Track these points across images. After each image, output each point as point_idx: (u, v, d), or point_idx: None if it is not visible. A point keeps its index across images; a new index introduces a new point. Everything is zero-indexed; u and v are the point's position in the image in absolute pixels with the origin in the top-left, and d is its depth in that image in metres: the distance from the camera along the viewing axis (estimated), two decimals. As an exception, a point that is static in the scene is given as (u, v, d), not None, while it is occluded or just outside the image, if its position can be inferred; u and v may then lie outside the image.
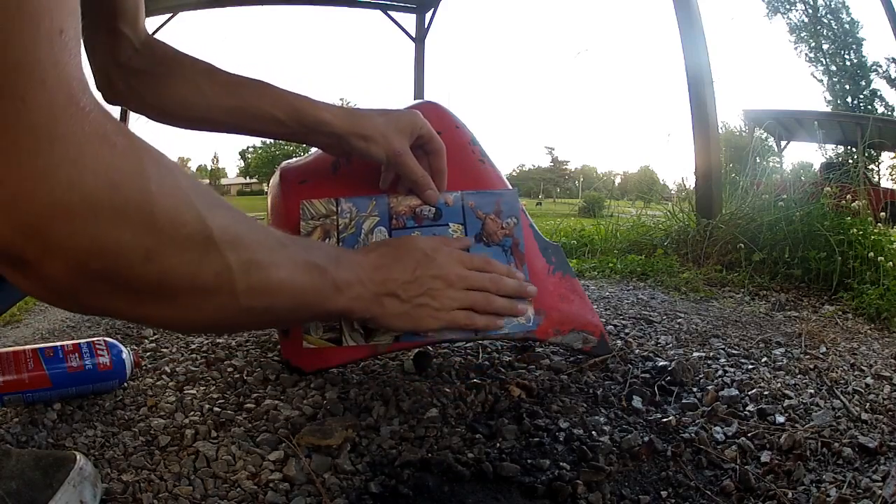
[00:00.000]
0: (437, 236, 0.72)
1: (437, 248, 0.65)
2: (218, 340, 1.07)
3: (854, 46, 22.93)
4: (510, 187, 0.91)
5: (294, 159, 1.00)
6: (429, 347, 0.95)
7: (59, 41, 0.29)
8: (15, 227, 0.29)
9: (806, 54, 23.84)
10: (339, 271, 0.54)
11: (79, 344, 0.79)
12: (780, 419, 0.76)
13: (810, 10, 23.27)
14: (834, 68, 23.37)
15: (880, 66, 22.63)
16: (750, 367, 0.96)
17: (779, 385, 0.88)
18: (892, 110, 22.08)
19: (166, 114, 0.71)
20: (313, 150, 0.93)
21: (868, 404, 0.82)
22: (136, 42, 0.69)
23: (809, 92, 42.06)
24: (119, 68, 0.68)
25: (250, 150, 47.43)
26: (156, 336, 1.12)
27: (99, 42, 0.67)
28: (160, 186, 0.33)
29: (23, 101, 0.28)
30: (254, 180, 46.32)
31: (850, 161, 2.91)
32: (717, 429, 0.73)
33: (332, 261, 0.54)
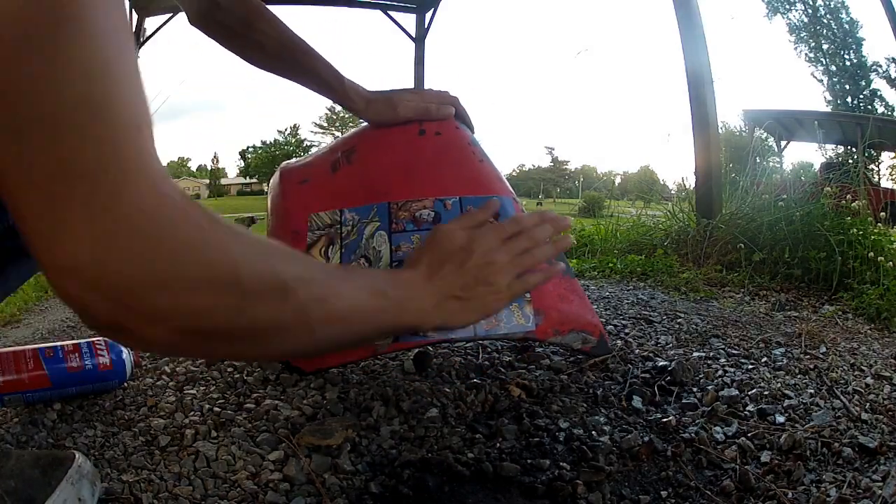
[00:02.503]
0: (462, 218, 0.72)
1: (471, 238, 0.66)
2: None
3: (854, 46, 22.93)
4: (510, 188, 0.91)
5: (294, 160, 1.00)
6: (429, 347, 0.95)
7: (141, 137, 0.33)
8: (117, 303, 0.33)
9: (806, 54, 23.84)
10: (397, 290, 0.57)
11: (79, 344, 0.79)
12: (780, 419, 0.76)
13: (810, 11, 23.27)
14: (834, 68, 23.36)
15: (880, 66, 22.64)
16: (750, 367, 0.96)
17: (779, 385, 0.88)
18: (892, 110, 22.08)
19: (241, 56, 0.91)
20: (313, 150, 0.94)
21: (868, 404, 0.82)
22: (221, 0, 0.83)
23: (809, 92, 41.97)
24: (212, 22, 0.87)
25: (250, 150, 47.47)
26: (156, 336, 1.12)
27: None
28: (242, 255, 0.38)
29: (116, 196, 0.31)
30: (254, 180, 46.33)
31: (850, 161, 2.91)
32: (717, 429, 0.73)
33: (387, 283, 0.58)
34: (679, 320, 1.28)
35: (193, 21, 0.88)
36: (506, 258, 0.66)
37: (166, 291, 0.34)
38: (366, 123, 0.97)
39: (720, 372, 0.94)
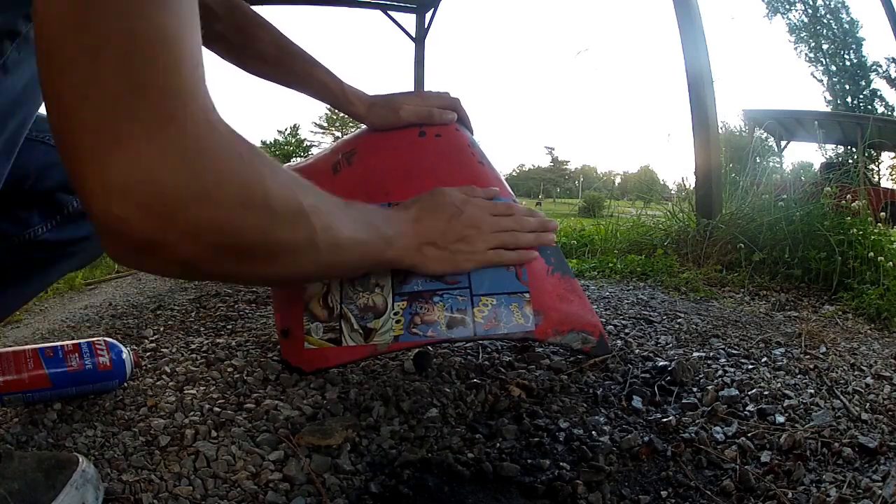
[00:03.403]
0: (464, 187, 0.80)
1: (465, 201, 0.75)
2: (218, 341, 1.07)
3: (854, 46, 22.94)
4: (509, 189, 0.91)
5: (295, 161, 1.01)
6: (429, 347, 0.95)
7: (198, 72, 0.38)
8: (162, 218, 0.36)
9: (806, 54, 23.85)
10: (387, 227, 0.65)
11: (79, 344, 0.79)
12: (780, 419, 0.76)
13: (810, 11, 23.27)
14: (834, 68, 23.37)
15: (880, 66, 22.64)
16: (750, 367, 0.96)
17: (779, 385, 0.88)
18: (892, 110, 22.08)
19: (240, 66, 0.92)
20: (315, 151, 0.94)
21: (868, 404, 0.82)
22: (218, 10, 0.84)
23: (809, 92, 42.05)
24: (211, 34, 0.85)
25: (250, 150, 47.39)
26: (156, 336, 1.12)
27: None
28: (272, 182, 0.44)
29: (173, 120, 0.36)
30: (254, 180, 46.24)
31: (850, 161, 2.91)
32: (717, 429, 0.73)
33: (381, 219, 0.65)
34: (679, 320, 1.28)
35: None
36: (489, 228, 0.75)
37: (209, 208, 0.38)
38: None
39: (720, 372, 0.94)
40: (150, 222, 0.36)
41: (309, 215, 0.48)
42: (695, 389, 0.86)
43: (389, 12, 5.51)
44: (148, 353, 1.00)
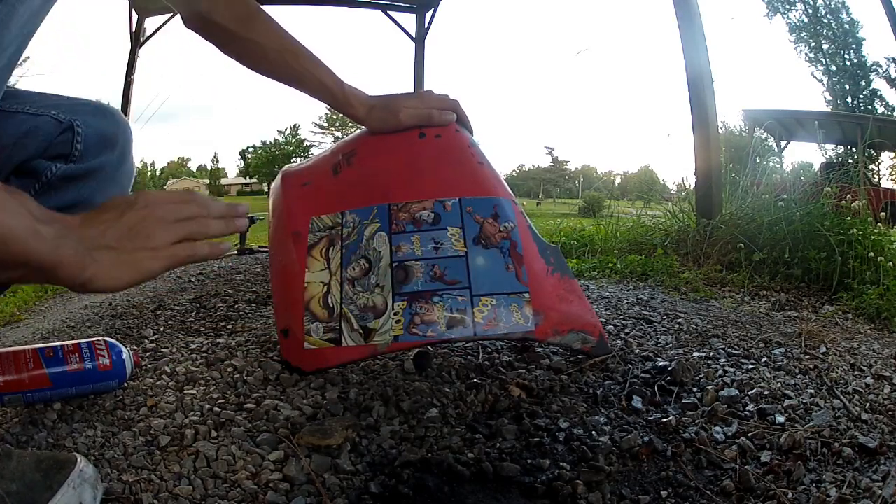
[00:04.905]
0: (136, 193, 0.70)
1: (137, 193, 0.65)
2: (218, 341, 1.07)
3: (854, 46, 22.94)
4: (508, 190, 0.92)
5: (296, 163, 1.01)
6: (429, 347, 0.95)
7: None
8: None
9: (806, 54, 23.85)
10: (39, 221, 0.52)
11: (79, 344, 0.79)
12: (780, 419, 0.76)
13: (810, 10, 23.28)
14: (834, 68, 23.37)
15: (880, 66, 22.64)
16: (750, 367, 0.96)
17: (779, 385, 0.88)
18: (892, 110, 22.08)
19: (239, 60, 0.90)
20: (315, 152, 0.95)
21: (868, 404, 0.82)
22: (220, 1, 0.83)
23: (809, 92, 41.94)
24: (210, 23, 0.85)
25: (250, 150, 47.49)
26: (156, 336, 1.12)
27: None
28: None
29: None
30: (254, 180, 46.36)
31: (850, 161, 2.91)
32: (717, 429, 0.73)
33: (45, 216, 0.53)
34: (679, 320, 1.28)
35: (189, 22, 0.87)
36: (169, 216, 0.64)
37: None
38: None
39: (720, 372, 0.94)
40: None
41: None
42: (695, 389, 0.86)
43: (389, 12, 5.51)
44: (148, 353, 1.00)
